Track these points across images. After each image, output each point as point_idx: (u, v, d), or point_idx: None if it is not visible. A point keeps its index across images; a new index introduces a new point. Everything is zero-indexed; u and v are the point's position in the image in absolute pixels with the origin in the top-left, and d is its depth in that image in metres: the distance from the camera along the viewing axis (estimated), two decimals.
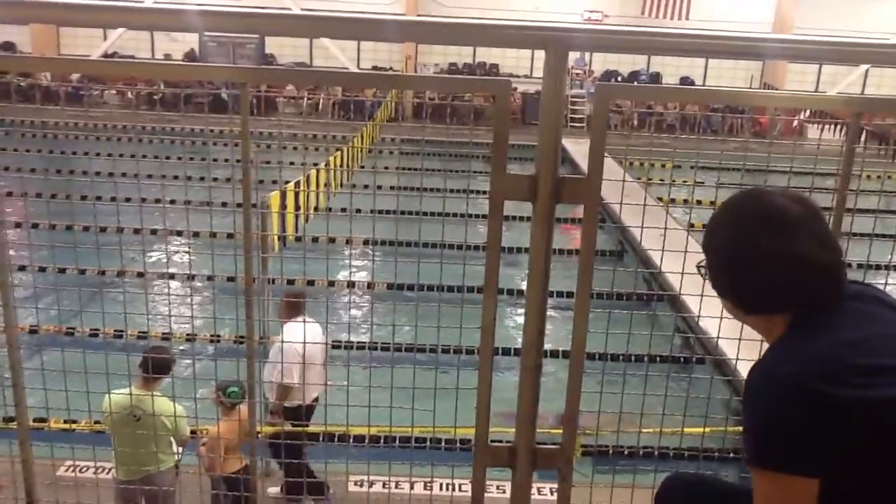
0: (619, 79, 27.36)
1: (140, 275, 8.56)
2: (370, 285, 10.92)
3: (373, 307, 10.48)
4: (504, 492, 2.52)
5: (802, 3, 27.32)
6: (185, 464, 5.48)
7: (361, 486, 5.82)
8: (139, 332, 7.62)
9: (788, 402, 1.53)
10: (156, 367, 4.69)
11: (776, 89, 25.34)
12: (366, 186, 12.67)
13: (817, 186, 2.74)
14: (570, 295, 3.01)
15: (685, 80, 28.25)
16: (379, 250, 11.05)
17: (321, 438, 5.98)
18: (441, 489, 5.76)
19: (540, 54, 2.04)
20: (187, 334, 8.65)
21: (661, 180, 15.42)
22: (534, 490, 2.37)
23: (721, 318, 2.09)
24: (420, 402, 3.03)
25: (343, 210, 10.25)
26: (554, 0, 27.32)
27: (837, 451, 1.52)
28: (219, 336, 8.17)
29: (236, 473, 5.30)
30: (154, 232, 10.71)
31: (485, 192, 2.10)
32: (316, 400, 6.26)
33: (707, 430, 3.20)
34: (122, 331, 7.13)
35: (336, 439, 6.17)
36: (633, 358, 3.53)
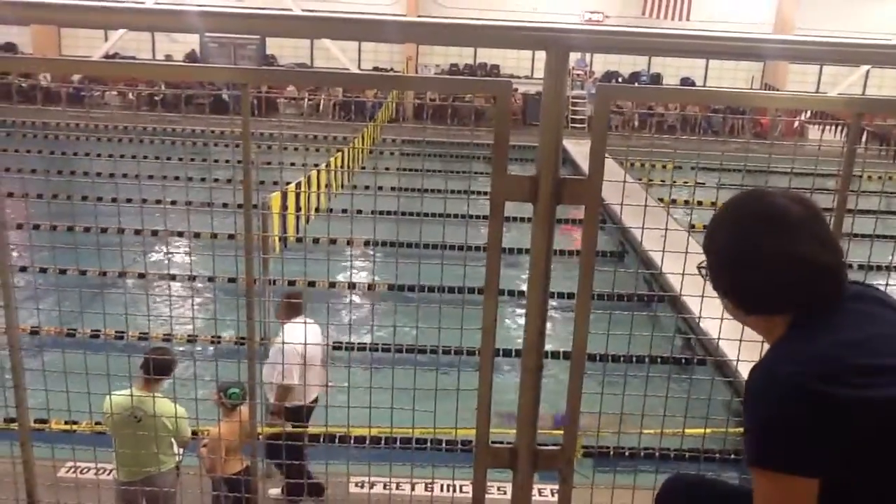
0: (620, 80, 27.33)
1: (141, 276, 8.57)
2: (371, 286, 10.93)
3: (374, 308, 10.48)
4: (505, 493, 2.52)
5: (803, 3, 27.33)
6: (185, 465, 5.47)
7: (362, 487, 5.82)
8: (140, 334, 7.62)
9: (788, 402, 1.53)
10: (157, 368, 4.69)
11: (777, 90, 25.35)
12: (367, 187, 12.68)
13: (818, 187, 2.74)
14: (570, 296, 3.01)
15: (686, 81, 28.26)
16: (380, 251, 11.06)
17: (322, 439, 5.98)
18: (442, 490, 5.75)
19: (541, 55, 2.04)
20: (188, 335, 8.66)
21: (661, 181, 15.42)
22: (535, 491, 2.37)
23: (722, 319, 2.09)
24: (421, 403, 3.04)
25: (344, 211, 10.27)
26: (554, 1, 27.33)
27: (837, 451, 1.52)
28: (220, 337, 8.17)
29: (237, 475, 5.30)
30: (155, 233, 10.71)
31: (485, 193, 2.10)
32: (315, 401, 6.26)
33: (708, 431, 3.19)
34: (123, 332, 7.12)
35: (337, 440, 6.17)
36: (633, 359, 3.52)
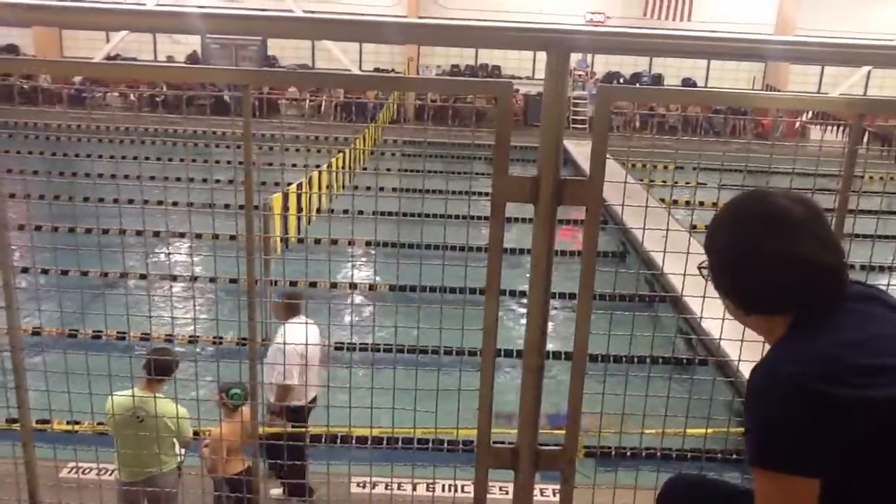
0: (621, 80, 27.32)
1: (142, 276, 8.57)
2: (372, 287, 10.93)
3: (375, 308, 10.48)
4: (506, 493, 2.52)
5: (804, 4, 27.30)
6: (187, 465, 5.48)
7: (364, 487, 5.82)
8: (142, 334, 7.62)
9: (789, 402, 1.54)
10: (159, 368, 4.69)
11: (778, 91, 25.33)
12: (368, 188, 12.70)
13: (819, 188, 2.74)
14: (572, 296, 3.02)
15: (687, 82, 28.23)
16: (381, 252, 11.05)
17: (323, 440, 5.98)
18: (443, 490, 5.76)
19: (542, 56, 2.04)
20: (190, 336, 8.66)
21: (662, 182, 15.43)
22: (536, 491, 2.37)
23: (723, 319, 2.09)
24: (422, 404, 3.03)
25: (345, 212, 10.26)
26: (555, 1, 27.30)
27: (838, 451, 1.52)
28: (221, 338, 8.18)
29: (239, 475, 5.31)
30: (157, 234, 10.72)
31: (487, 194, 2.10)
32: (314, 401, 6.25)
33: (709, 431, 3.19)
34: (124, 332, 7.13)
35: (338, 440, 6.17)
36: (635, 359, 3.54)
